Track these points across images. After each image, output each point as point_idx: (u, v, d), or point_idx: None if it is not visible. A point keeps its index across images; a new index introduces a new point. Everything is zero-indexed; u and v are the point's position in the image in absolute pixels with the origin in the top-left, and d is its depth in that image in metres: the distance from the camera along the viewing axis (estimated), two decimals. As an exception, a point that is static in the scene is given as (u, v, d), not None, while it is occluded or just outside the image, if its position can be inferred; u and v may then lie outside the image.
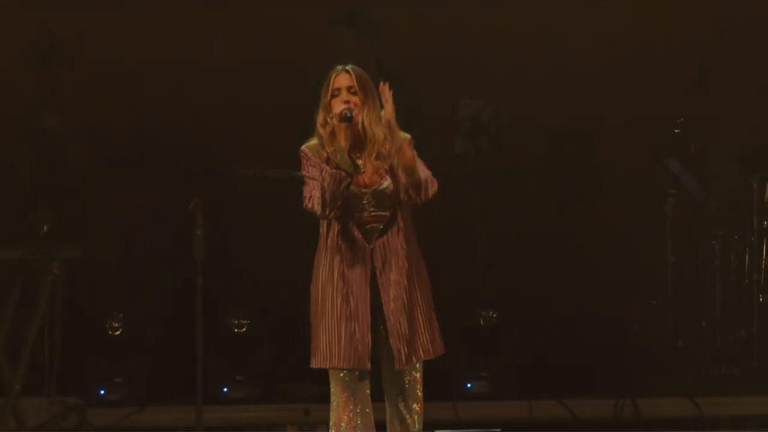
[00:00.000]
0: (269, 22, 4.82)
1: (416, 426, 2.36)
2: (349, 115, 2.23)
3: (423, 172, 2.29)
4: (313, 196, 2.27)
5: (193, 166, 4.50)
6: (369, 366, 2.28)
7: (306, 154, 2.34)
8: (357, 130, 2.30)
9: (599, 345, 4.34)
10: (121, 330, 4.29)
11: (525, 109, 4.64)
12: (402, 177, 2.27)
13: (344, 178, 2.22)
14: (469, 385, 4.21)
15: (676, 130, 4.37)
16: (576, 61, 4.67)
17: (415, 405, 2.35)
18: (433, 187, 2.31)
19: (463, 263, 4.60)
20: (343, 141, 2.24)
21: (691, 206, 4.51)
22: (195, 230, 3.53)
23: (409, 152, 2.26)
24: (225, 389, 4.20)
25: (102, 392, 4.18)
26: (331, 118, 2.29)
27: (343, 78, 2.33)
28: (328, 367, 2.30)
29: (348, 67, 2.35)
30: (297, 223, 2.40)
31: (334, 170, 2.22)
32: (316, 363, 2.32)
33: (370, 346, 2.28)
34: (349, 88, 2.31)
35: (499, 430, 4.10)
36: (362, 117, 2.30)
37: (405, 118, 2.34)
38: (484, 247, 4.59)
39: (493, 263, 4.62)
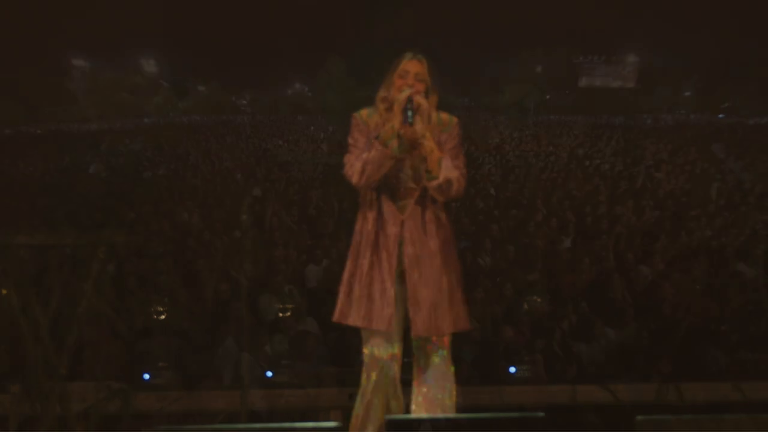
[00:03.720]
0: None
1: (447, 402, 2.38)
2: (410, 114, 2.29)
3: (448, 172, 2.32)
4: (354, 165, 2.34)
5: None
6: (384, 326, 2.33)
7: (356, 121, 2.42)
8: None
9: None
10: (166, 314, 4.33)
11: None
12: (425, 177, 2.32)
13: (389, 157, 2.29)
14: (513, 370, 4.22)
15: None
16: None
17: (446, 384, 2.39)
18: (454, 189, 2.35)
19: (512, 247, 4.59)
20: (397, 123, 2.29)
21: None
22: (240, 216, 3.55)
23: (434, 156, 2.30)
24: (269, 373, 4.21)
25: (146, 376, 4.21)
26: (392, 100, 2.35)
27: (413, 64, 2.40)
28: (340, 320, 2.38)
29: (419, 56, 2.42)
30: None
31: (381, 148, 2.28)
32: (334, 317, 2.42)
33: (388, 310, 2.33)
34: (416, 75, 2.38)
35: (542, 414, 4.10)
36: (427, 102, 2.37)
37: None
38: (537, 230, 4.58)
39: (538, 248, 4.61)
